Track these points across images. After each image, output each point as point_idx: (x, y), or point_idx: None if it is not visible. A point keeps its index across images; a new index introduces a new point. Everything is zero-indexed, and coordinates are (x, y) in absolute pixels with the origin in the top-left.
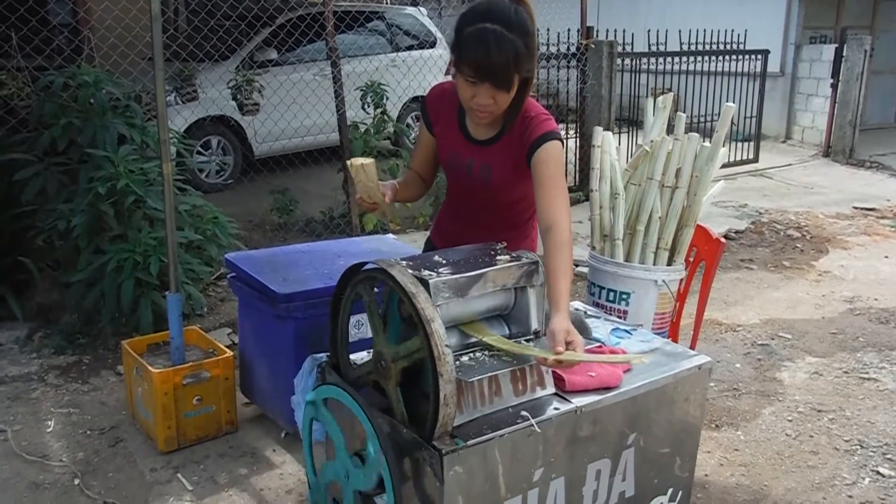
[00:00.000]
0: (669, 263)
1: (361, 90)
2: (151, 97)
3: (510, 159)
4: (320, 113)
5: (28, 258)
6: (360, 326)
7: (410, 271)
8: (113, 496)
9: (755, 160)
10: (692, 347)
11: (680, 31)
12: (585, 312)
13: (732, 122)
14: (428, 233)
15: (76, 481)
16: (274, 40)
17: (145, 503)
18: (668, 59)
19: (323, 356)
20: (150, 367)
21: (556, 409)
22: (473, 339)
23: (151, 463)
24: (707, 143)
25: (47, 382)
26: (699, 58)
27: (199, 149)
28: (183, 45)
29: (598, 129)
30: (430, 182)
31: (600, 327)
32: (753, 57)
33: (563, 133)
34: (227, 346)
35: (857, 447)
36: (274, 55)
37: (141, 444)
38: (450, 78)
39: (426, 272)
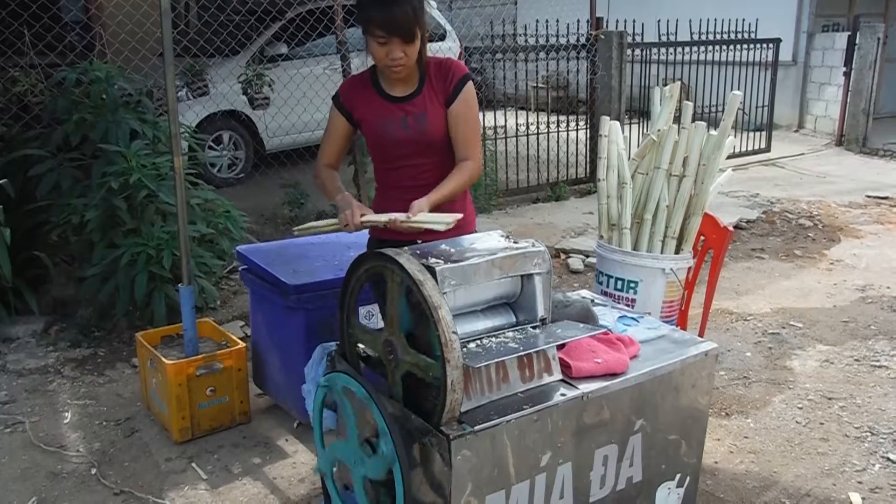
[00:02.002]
0: (677, 252)
1: None
2: (163, 92)
3: (438, 103)
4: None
5: (43, 253)
6: (370, 317)
7: (418, 259)
8: (129, 485)
9: (767, 150)
10: (700, 335)
11: (690, 21)
12: (593, 301)
13: (744, 112)
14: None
15: (93, 471)
16: (284, 35)
17: (160, 492)
18: (679, 49)
19: (333, 345)
20: (163, 359)
21: (562, 395)
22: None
23: (166, 453)
24: (714, 132)
25: (64, 375)
26: (710, 47)
27: (211, 144)
28: (193, 40)
29: (606, 119)
30: (337, 169)
31: (608, 315)
32: (765, 46)
33: (573, 124)
34: (240, 339)
35: (868, 434)
36: (284, 50)
37: (156, 435)
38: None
39: (433, 260)
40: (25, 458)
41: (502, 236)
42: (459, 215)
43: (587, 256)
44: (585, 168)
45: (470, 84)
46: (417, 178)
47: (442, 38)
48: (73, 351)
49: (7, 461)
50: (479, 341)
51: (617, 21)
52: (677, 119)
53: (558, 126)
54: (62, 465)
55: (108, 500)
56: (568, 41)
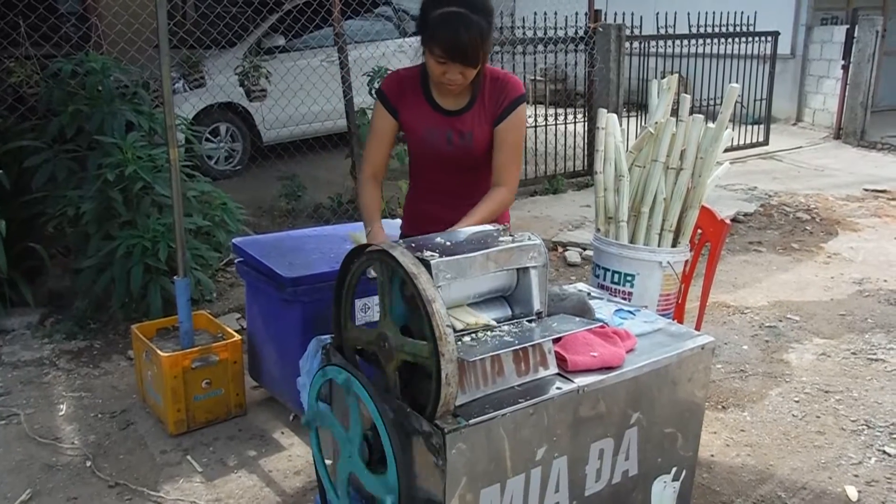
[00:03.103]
0: (674, 245)
1: (369, 76)
2: (159, 84)
3: (487, 121)
4: (328, 99)
5: (39, 244)
6: (366, 310)
7: (412, 253)
8: (124, 478)
9: (765, 143)
10: (697, 328)
11: (689, 14)
12: (589, 294)
13: (742, 105)
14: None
15: (88, 463)
16: (281, 26)
17: (155, 485)
18: (678, 41)
19: (328, 338)
20: (159, 351)
21: (558, 388)
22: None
23: (162, 445)
24: (712, 125)
25: (59, 367)
26: (709, 40)
27: (208, 136)
28: (190, 31)
29: (603, 112)
30: (382, 179)
31: (604, 308)
32: (763, 39)
33: (570, 117)
34: (236, 331)
35: (864, 427)
36: (281, 41)
37: (151, 427)
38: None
39: (428, 253)
40: (20, 450)
41: (498, 229)
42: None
43: (584, 249)
44: (583, 161)
45: (522, 107)
46: (452, 189)
47: None
48: (69, 343)
49: (2, 453)
50: (474, 335)
51: (615, 14)
52: (675, 112)
53: (556, 119)
54: (57, 458)
55: (103, 493)
56: (566, 34)
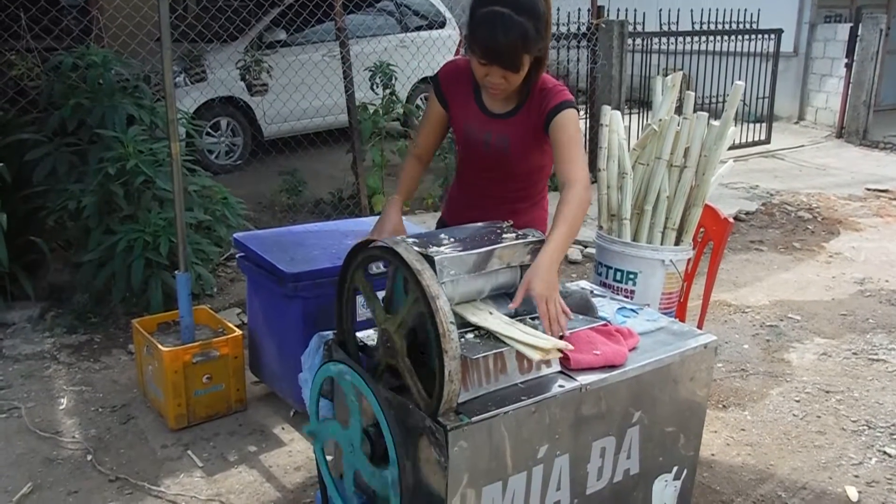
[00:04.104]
0: (677, 243)
1: (370, 71)
2: (160, 78)
3: (529, 130)
4: (329, 94)
5: (40, 238)
6: None
7: (416, 249)
8: (124, 472)
9: (767, 141)
10: (699, 327)
11: (692, 11)
12: (592, 292)
13: (744, 103)
14: (438, 213)
15: (89, 457)
16: (283, 20)
17: (156, 479)
18: (680, 38)
19: (329, 334)
20: (160, 346)
21: (560, 386)
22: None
23: (162, 440)
24: (716, 123)
25: (60, 361)
26: (711, 37)
27: (209, 130)
28: (191, 25)
29: (606, 108)
30: (429, 162)
31: (606, 307)
32: (766, 36)
33: None
34: (237, 326)
35: (865, 428)
36: (283, 36)
37: (152, 422)
38: (462, 54)
39: (432, 249)
40: (21, 443)
41: (501, 226)
42: (564, 345)
43: (586, 247)
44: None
45: (567, 112)
46: (488, 190)
47: (442, 25)
48: (70, 337)
49: (2, 447)
50: (477, 331)
51: (618, 10)
52: (679, 109)
53: None
54: (58, 452)
55: (104, 487)
56: (568, 30)
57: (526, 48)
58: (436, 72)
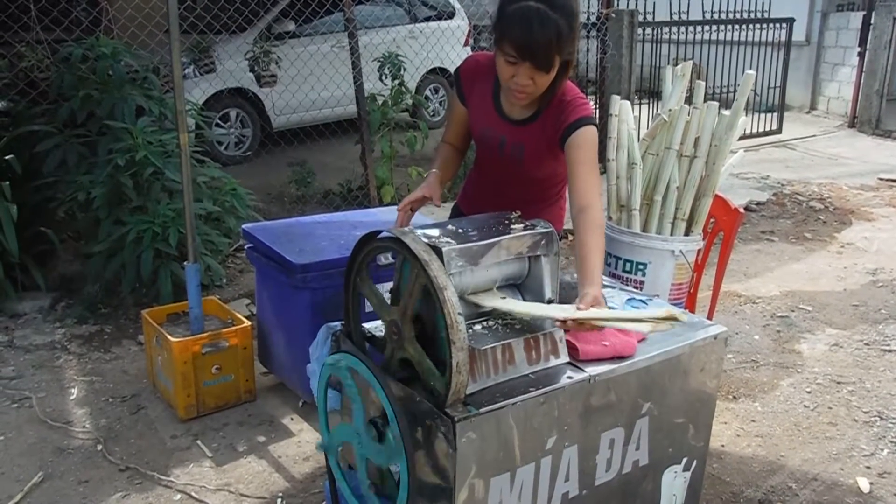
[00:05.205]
0: (687, 234)
1: (379, 62)
2: (169, 69)
3: (544, 140)
4: (338, 85)
5: (50, 229)
6: None
7: (424, 240)
8: (134, 462)
9: (779, 131)
10: (709, 318)
11: (703, 0)
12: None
13: (756, 93)
14: (454, 201)
15: (99, 447)
16: (291, 11)
17: (166, 469)
18: (691, 28)
19: (337, 325)
20: (169, 337)
21: (569, 377)
22: (487, 308)
23: (172, 430)
24: (726, 112)
25: (70, 351)
26: (722, 27)
27: (218, 121)
28: (200, 16)
29: (616, 98)
30: (466, 150)
31: (615, 297)
32: (778, 25)
33: None
34: (246, 317)
35: (877, 419)
36: (291, 27)
37: (161, 412)
38: (472, 50)
39: (440, 240)
40: (32, 433)
41: (509, 217)
42: (674, 310)
43: None
44: None
45: (585, 129)
46: (501, 191)
47: (451, 16)
48: (80, 327)
49: (14, 436)
50: (485, 322)
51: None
52: (689, 99)
53: None
54: (68, 441)
55: (114, 476)
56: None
57: (559, 47)
58: (457, 67)
